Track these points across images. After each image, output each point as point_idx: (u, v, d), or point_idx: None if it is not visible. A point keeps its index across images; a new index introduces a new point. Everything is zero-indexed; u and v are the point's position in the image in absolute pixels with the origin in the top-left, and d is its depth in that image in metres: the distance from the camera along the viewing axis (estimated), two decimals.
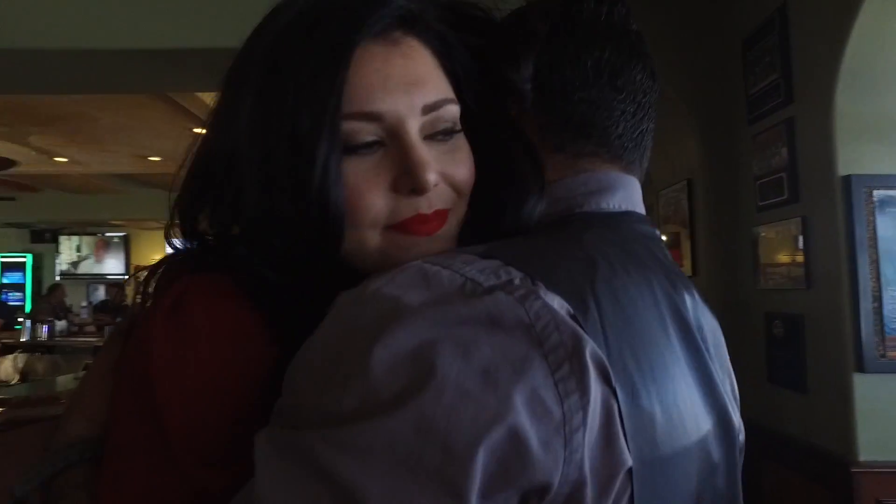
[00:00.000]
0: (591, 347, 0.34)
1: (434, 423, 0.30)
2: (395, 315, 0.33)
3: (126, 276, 10.07)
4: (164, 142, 4.48)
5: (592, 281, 0.38)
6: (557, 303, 0.35)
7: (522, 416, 0.31)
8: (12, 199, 7.31)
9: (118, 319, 7.16)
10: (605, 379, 0.34)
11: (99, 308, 7.96)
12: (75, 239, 10.13)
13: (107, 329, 5.28)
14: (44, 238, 10.14)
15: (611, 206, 0.48)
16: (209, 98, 2.68)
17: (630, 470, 0.35)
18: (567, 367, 0.33)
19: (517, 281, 0.35)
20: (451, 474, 0.30)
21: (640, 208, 0.51)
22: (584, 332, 0.34)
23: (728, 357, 0.53)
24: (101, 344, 4.81)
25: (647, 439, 0.36)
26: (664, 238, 2.44)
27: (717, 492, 0.45)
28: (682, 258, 2.30)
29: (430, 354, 0.31)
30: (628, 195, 0.49)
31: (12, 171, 5.06)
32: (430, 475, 0.30)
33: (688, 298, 0.47)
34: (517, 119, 0.49)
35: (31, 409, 2.19)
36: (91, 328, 6.80)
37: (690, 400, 0.42)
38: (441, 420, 0.30)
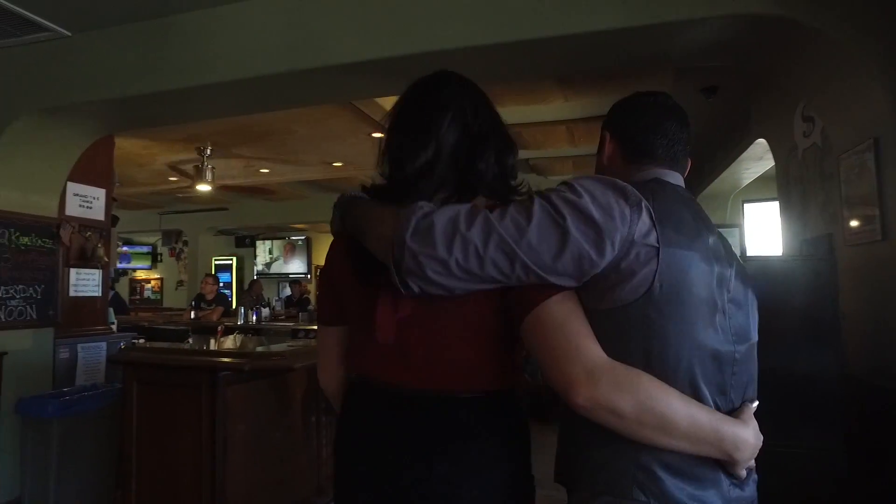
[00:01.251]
0: (647, 209, 0.85)
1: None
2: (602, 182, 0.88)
3: (307, 275, 11.38)
4: (346, 148, 5.07)
5: (652, 198, 0.88)
6: (641, 200, 0.86)
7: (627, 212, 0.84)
8: (225, 209, 8.68)
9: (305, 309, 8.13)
10: (650, 216, 0.84)
11: (286, 302, 9.13)
12: (268, 243, 11.67)
13: (300, 315, 6.08)
14: (244, 243, 11.83)
15: (664, 178, 1.01)
16: (389, 101, 3.02)
17: (658, 250, 0.83)
18: (640, 208, 0.84)
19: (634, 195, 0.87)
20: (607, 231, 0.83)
21: (681, 184, 1.03)
22: (645, 204, 0.85)
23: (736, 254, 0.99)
24: (297, 328, 5.56)
25: (667, 242, 0.84)
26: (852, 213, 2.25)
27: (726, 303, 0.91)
28: (872, 221, 2.07)
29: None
30: (674, 178, 1.02)
31: (232, 181, 6.05)
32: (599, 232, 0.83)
33: (710, 224, 0.95)
34: (609, 150, 1.06)
35: (265, 361, 2.68)
36: (283, 317, 7.86)
37: (702, 256, 0.88)
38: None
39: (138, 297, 12.64)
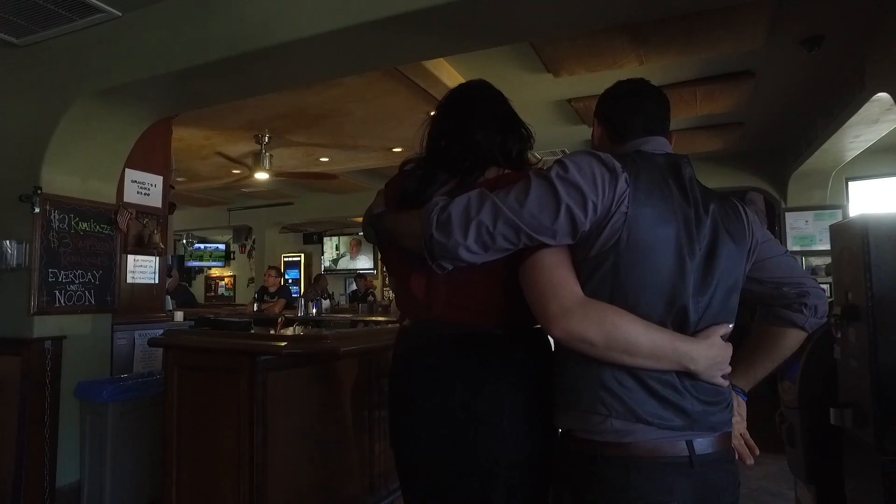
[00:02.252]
0: (624, 175, 1.04)
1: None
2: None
3: (374, 270, 11.34)
4: (405, 130, 4.85)
5: (630, 167, 1.06)
6: (620, 167, 1.06)
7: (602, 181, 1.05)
8: (290, 203, 8.73)
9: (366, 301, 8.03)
10: (626, 182, 1.04)
11: (351, 297, 9.08)
12: (335, 239, 11.74)
13: (360, 307, 5.94)
14: (312, 240, 11.96)
15: (643, 149, 1.15)
16: (445, 75, 2.70)
17: (626, 215, 1.02)
18: (617, 175, 1.04)
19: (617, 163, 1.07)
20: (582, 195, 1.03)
21: (664, 149, 1.16)
22: (624, 172, 1.05)
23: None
24: (356, 319, 5.41)
25: (638, 209, 1.03)
26: None
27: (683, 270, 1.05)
28: None
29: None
30: (654, 143, 1.16)
31: (293, 169, 6.00)
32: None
33: (694, 185, 1.11)
34: (598, 133, 1.25)
35: (306, 343, 2.48)
36: (347, 310, 7.79)
37: (666, 215, 1.05)
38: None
39: (213, 293, 13.07)
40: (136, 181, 3.64)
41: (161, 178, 3.79)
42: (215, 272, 13.07)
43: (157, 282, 3.76)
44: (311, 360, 2.42)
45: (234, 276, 12.88)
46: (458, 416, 1.13)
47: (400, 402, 1.24)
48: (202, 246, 12.48)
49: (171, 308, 4.10)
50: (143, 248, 3.61)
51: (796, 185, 5.76)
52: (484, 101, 1.32)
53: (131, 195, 3.61)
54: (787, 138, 5.44)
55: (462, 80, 1.46)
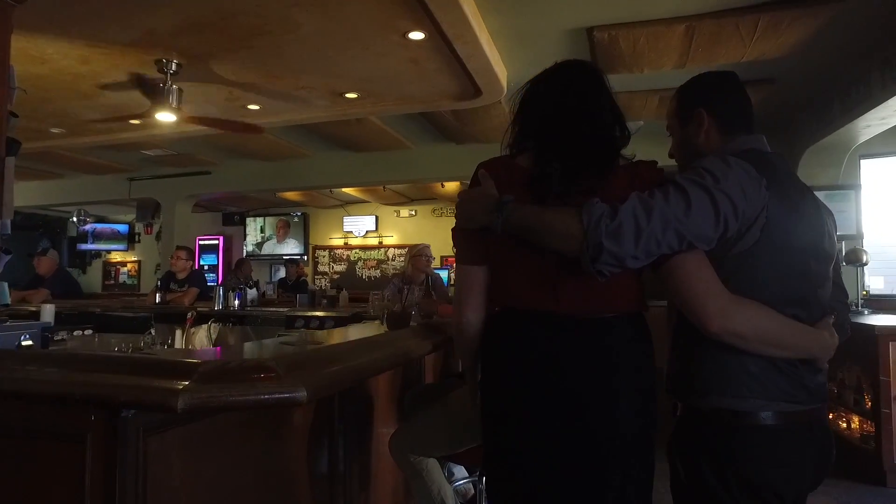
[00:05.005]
0: (763, 181, 1.19)
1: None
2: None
3: (304, 256, 9.96)
4: (368, 65, 3.63)
5: (763, 170, 1.20)
6: (759, 174, 1.20)
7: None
8: (207, 173, 7.22)
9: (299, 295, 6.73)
10: (765, 187, 1.18)
11: (280, 286, 7.71)
12: (259, 220, 10.25)
13: (299, 298, 4.66)
14: (233, 220, 10.40)
15: (756, 147, 1.30)
16: None
17: (767, 218, 1.17)
18: (759, 182, 1.18)
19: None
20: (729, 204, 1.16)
21: (766, 147, 1.31)
22: (762, 178, 1.19)
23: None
24: (294, 315, 4.14)
25: (776, 210, 1.18)
26: None
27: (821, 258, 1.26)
28: None
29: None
30: (761, 142, 1.31)
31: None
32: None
33: (800, 181, 1.30)
34: (707, 125, 1.34)
35: (227, 389, 1.29)
36: (280, 303, 6.45)
37: (795, 215, 1.21)
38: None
39: (113, 282, 11.22)
40: None
41: None
42: (116, 257, 11.22)
43: None
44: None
45: (138, 262, 11.09)
46: (586, 401, 1.20)
47: (523, 391, 1.23)
48: (96, 227, 10.59)
49: (6, 301, 2.66)
50: None
51: (810, 161, 5.06)
52: (602, 85, 1.33)
53: None
54: (818, 104, 4.68)
55: None
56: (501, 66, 3.81)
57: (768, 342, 1.17)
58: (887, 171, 5.25)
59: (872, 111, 3.93)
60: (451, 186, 8.23)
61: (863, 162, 5.27)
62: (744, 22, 3.14)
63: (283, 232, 10.24)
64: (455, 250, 1.36)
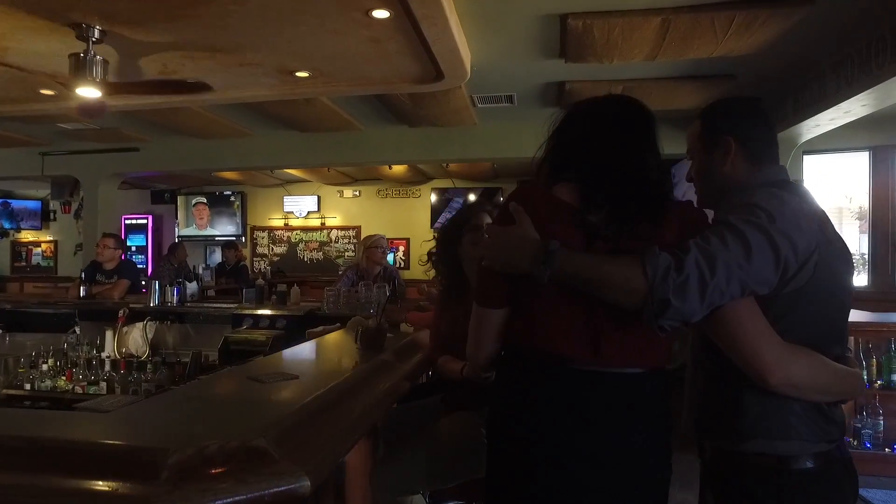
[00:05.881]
0: (817, 218, 1.20)
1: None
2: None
3: (241, 237, 9.44)
4: (323, 41, 3.31)
5: (806, 204, 1.21)
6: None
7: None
8: (135, 149, 6.60)
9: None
10: (818, 226, 1.17)
11: (218, 270, 7.25)
12: (192, 199, 9.60)
13: (245, 293, 4.32)
14: (163, 198, 9.69)
15: (786, 179, 1.29)
16: None
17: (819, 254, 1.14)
18: (811, 217, 1.18)
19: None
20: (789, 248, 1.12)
21: (789, 178, 1.31)
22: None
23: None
24: (242, 313, 3.82)
25: (823, 246, 1.15)
26: None
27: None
28: None
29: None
30: (786, 173, 1.31)
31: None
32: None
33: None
34: (732, 158, 1.29)
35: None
36: (219, 294, 6.03)
37: (835, 251, 1.19)
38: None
39: (24, 263, 10.25)
40: None
41: None
42: (28, 236, 10.23)
43: None
44: None
45: (54, 242, 10.17)
46: (621, 459, 1.17)
47: (552, 441, 1.17)
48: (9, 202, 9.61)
49: None
50: None
51: None
52: (653, 125, 1.26)
53: None
54: (772, 102, 4.74)
55: None
56: (467, 51, 3.59)
57: (818, 390, 1.18)
58: (828, 167, 5.45)
59: (824, 112, 4.01)
60: (399, 168, 7.96)
61: (805, 158, 5.45)
62: (719, 18, 3.06)
63: (217, 212, 9.63)
64: (477, 289, 1.25)
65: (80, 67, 3.15)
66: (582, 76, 4.23)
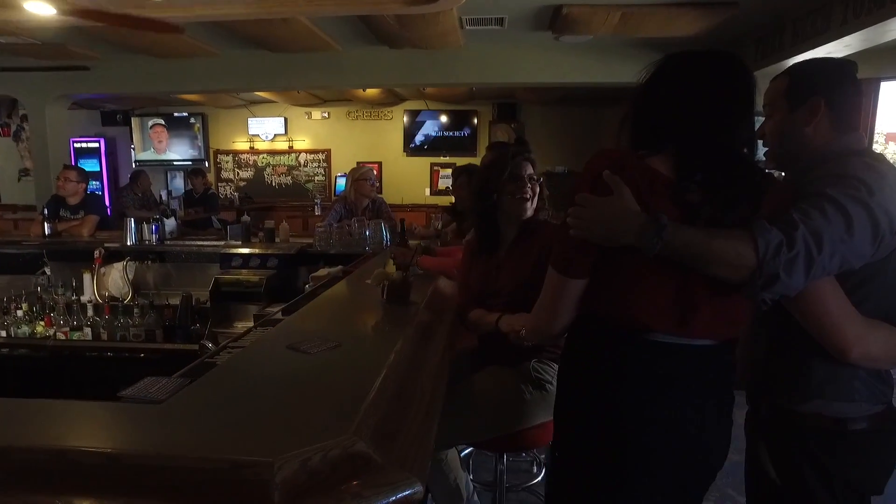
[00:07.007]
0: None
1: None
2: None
3: (205, 162, 8.97)
4: None
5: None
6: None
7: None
8: (85, 68, 6.00)
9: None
10: None
11: (186, 200, 6.89)
12: (148, 120, 8.96)
13: (230, 228, 4.12)
14: (115, 120, 9.01)
15: (863, 146, 1.26)
16: None
17: None
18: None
19: None
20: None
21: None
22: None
23: None
24: (231, 252, 3.65)
25: None
26: None
27: None
28: None
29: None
30: (864, 141, 1.27)
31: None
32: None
33: None
34: (817, 121, 1.24)
35: None
36: (187, 225, 5.75)
37: None
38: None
39: None
40: None
41: None
42: None
43: None
44: None
45: None
46: (705, 428, 1.19)
47: (638, 416, 1.16)
48: None
49: None
50: None
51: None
52: (753, 92, 1.14)
53: None
54: (769, 32, 4.61)
55: None
56: None
57: (894, 361, 1.23)
58: None
59: (824, 46, 3.92)
60: (372, 91, 7.57)
61: None
62: None
63: (173, 133, 9.04)
64: (559, 259, 1.20)
65: None
66: (580, 0, 3.99)
